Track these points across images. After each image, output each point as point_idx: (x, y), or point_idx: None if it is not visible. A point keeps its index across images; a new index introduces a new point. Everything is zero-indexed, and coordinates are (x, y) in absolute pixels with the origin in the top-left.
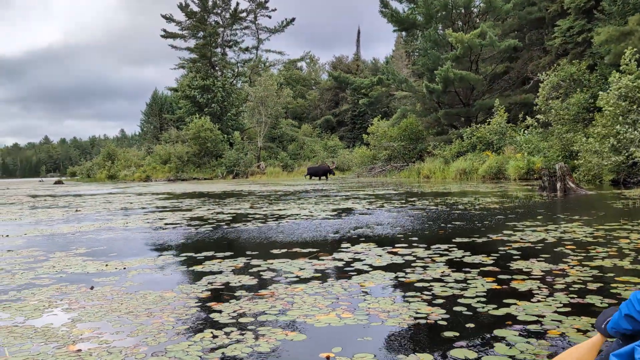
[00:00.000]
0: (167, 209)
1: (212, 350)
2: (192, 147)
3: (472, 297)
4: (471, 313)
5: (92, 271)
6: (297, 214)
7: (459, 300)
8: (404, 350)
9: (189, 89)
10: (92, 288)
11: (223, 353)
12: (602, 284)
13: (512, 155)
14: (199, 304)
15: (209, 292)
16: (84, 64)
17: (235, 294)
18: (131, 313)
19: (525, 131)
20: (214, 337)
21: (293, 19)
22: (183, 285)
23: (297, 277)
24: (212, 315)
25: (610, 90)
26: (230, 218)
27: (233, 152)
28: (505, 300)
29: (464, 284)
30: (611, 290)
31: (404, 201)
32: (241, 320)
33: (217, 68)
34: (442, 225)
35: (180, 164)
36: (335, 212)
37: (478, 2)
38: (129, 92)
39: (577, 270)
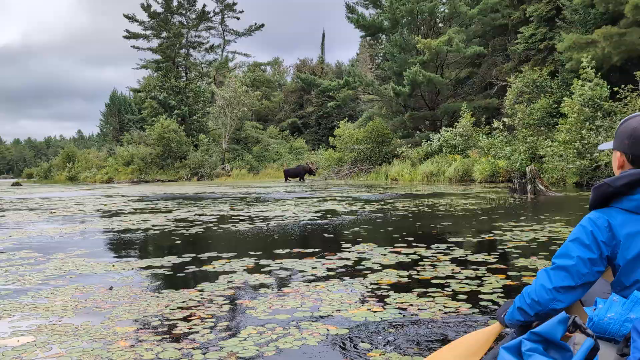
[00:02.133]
0: (146, 211)
1: (266, 344)
2: (156, 149)
3: (491, 293)
4: (497, 307)
5: (100, 272)
6: (281, 216)
7: (480, 296)
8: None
9: (160, 90)
10: (111, 288)
11: (277, 347)
12: None
13: (477, 158)
14: (228, 301)
15: (233, 290)
16: (42, 64)
17: (260, 292)
18: (165, 311)
19: (489, 135)
20: (260, 332)
21: (262, 25)
22: (203, 284)
23: (313, 275)
24: (247, 312)
25: (574, 97)
26: (216, 219)
27: (198, 154)
28: None
29: (479, 281)
30: None
31: (382, 203)
32: (278, 316)
33: (180, 69)
34: (432, 225)
35: (144, 166)
36: (320, 214)
37: (443, 9)
38: (88, 92)
39: None
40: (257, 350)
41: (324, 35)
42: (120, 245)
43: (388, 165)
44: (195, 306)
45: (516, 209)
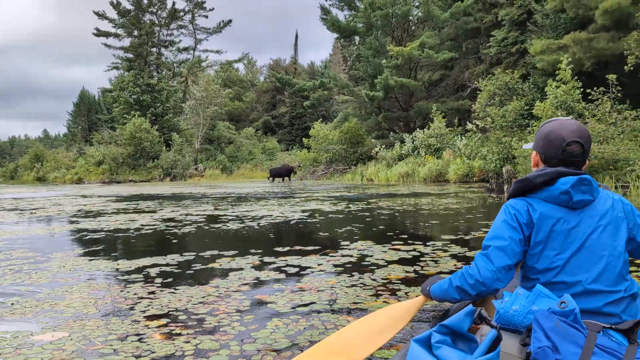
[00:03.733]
0: (130, 211)
1: (295, 336)
2: (127, 149)
3: None
4: None
5: (107, 270)
6: (269, 215)
7: None
8: None
9: (134, 87)
10: (125, 285)
11: (306, 338)
12: None
13: (451, 159)
14: (246, 296)
15: (247, 286)
16: (7, 63)
17: (275, 287)
18: (188, 306)
19: (463, 136)
20: (286, 325)
21: (230, 21)
22: (216, 280)
23: (321, 271)
24: (269, 306)
25: (548, 99)
26: (204, 219)
27: (170, 154)
28: None
29: None
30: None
31: (366, 202)
32: (299, 309)
33: (152, 68)
34: (421, 224)
35: (115, 166)
36: (307, 213)
37: (416, 12)
38: (54, 91)
39: None
40: (291, 341)
41: (297, 36)
42: (117, 245)
43: (363, 166)
44: (215, 301)
45: (497, 207)
